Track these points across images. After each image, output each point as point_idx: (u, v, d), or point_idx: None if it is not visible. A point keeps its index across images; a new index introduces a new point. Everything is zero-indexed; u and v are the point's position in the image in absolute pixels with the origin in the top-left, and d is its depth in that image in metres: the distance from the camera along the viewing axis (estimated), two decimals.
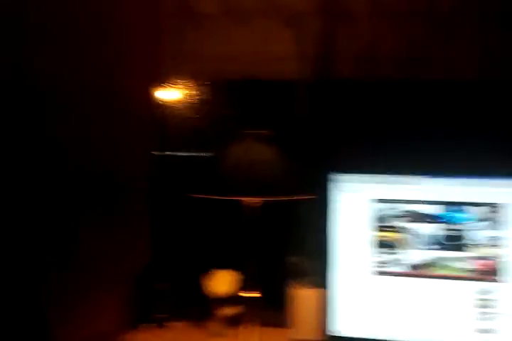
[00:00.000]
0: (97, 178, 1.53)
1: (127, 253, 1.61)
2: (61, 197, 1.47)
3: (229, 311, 1.57)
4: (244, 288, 1.53)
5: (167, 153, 1.83)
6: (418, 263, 1.37)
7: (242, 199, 1.45)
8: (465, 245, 1.35)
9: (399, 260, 1.37)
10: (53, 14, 1.33)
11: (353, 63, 1.71)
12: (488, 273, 1.33)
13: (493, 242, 1.33)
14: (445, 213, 1.37)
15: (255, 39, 1.73)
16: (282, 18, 1.72)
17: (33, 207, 1.39)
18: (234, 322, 1.56)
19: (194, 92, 1.80)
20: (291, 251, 1.60)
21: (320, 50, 1.71)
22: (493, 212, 1.34)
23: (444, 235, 1.36)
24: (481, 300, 1.34)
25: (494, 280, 1.33)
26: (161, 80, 1.76)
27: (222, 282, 1.57)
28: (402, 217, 1.39)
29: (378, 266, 1.39)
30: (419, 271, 1.37)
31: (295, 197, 1.44)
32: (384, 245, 1.39)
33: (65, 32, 1.37)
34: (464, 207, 1.35)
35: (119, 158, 1.59)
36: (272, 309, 1.57)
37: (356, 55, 1.71)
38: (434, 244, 1.37)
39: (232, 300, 1.55)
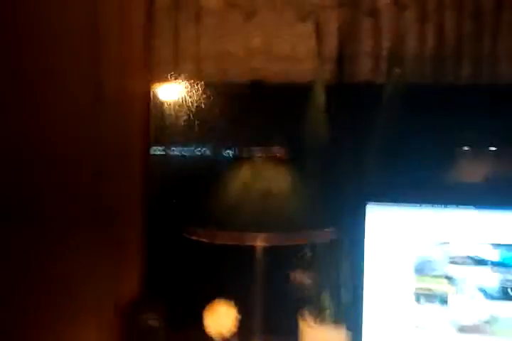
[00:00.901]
0: (84, 195, 1.43)
1: (115, 283, 1.51)
2: (39, 213, 1.37)
3: None
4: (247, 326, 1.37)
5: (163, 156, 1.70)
6: (469, 318, 1.11)
7: (251, 240, 1.21)
8: None
9: (445, 315, 1.12)
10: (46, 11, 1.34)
11: (378, 63, 1.57)
12: None
13: None
14: (503, 255, 1.11)
15: (263, 36, 1.58)
16: (295, 12, 1.57)
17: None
18: None
19: (191, 97, 1.68)
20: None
21: (340, 48, 1.56)
22: None
23: (503, 283, 1.11)
24: None
25: None
26: (154, 80, 1.63)
27: (221, 318, 1.42)
28: (449, 261, 1.13)
29: (420, 322, 1.13)
30: (470, 328, 1.12)
31: (316, 235, 1.21)
32: (426, 296, 1.13)
33: (56, 29, 1.37)
34: None
35: (109, 172, 1.48)
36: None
37: (381, 54, 1.56)
38: (490, 294, 1.11)
39: (232, 337, 1.41)
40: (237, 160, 1.30)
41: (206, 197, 1.31)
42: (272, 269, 1.34)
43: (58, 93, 1.41)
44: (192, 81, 1.64)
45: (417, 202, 1.12)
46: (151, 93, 1.64)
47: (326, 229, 1.23)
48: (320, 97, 1.45)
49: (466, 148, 1.51)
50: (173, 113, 1.70)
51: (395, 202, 1.12)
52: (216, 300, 1.44)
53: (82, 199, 1.44)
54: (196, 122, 1.69)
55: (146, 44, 1.59)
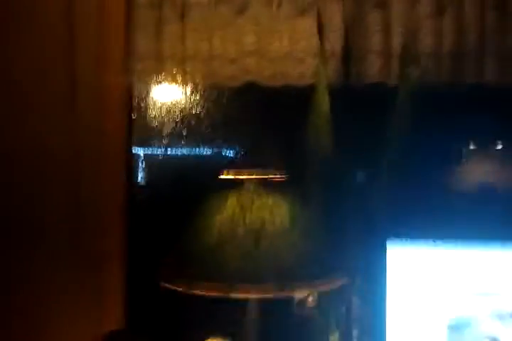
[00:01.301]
0: (58, 214, 1.40)
1: (96, 316, 1.46)
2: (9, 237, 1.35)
3: None
4: None
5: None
6: None
7: (240, 293, 1.04)
8: None
9: None
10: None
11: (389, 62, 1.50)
12: None
13: None
14: None
15: (257, 32, 1.50)
16: (294, 4, 1.49)
17: None
18: None
19: (173, 102, 1.62)
20: None
21: (345, 45, 1.50)
22: None
23: None
24: None
25: None
26: (135, 82, 1.55)
27: None
28: (494, 317, 0.94)
29: None
30: None
31: (323, 286, 1.04)
32: None
33: (31, 27, 1.39)
34: None
35: (87, 175, 1.44)
36: None
37: (392, 52, 1.49)
38: None
39: None
40: (224, 187, 1.16)
41: (185, 236, 1.17)
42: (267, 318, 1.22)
43: (36, 93, 1.41)
44: (176, 83, 1.55)
45: (452, 241, 0.91)
46: (131, 95, 1.57)
47: (335, 278, 1.08)
48: (323, 102, 1.41)
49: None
50: (154, 119, 1.64)
51: (422, 238, 0.92)
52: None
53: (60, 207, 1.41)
54: (179, 131, 1.63)
55: (126, 43, 1.51)
